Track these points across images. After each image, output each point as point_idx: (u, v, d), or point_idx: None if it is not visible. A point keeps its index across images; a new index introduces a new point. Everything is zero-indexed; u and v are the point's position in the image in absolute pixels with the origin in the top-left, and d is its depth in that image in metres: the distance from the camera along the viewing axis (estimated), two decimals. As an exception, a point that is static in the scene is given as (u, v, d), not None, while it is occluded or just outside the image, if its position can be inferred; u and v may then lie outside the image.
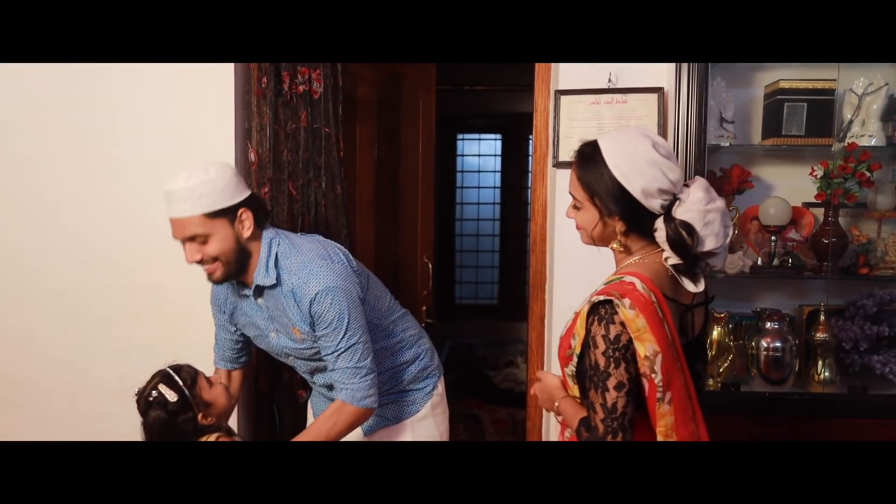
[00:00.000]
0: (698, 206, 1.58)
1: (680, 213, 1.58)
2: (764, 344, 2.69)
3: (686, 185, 1.62)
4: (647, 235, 1.64)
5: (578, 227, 1.73)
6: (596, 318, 1.55)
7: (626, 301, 1.54)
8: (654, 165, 1.58)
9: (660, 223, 1.60)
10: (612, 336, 1.53)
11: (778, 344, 2.68)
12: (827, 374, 2.71)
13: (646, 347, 1.53)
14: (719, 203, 1.60)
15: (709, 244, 1.59)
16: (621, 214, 1.62)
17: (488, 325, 6.33)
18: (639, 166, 1.59)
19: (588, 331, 1.57)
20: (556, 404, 1.69)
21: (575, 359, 1.62)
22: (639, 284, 1.58)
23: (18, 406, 2.84)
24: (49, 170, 2.78)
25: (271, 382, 2.88)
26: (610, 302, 1.54)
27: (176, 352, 2.77)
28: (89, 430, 2.60)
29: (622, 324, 1.53)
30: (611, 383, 1.52)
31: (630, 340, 1.53)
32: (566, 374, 1.68)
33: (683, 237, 1.57)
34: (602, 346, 1.53)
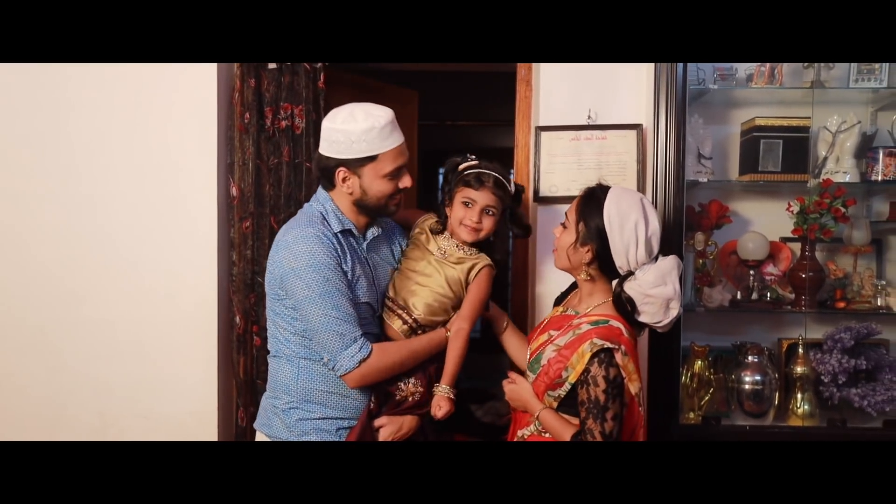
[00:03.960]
0: (642, 289, 1.90)
1: (626, 286, 1.92)
2: (744, 377, 2.71)
3: (655, 259, 1.94)
4: (607, 276, 1.98)
5: (555, 250, 2.05)
6: (597, 360, 1.84)
7: (622, 348, 1.86)
8: (633, 233, 1.90)
9: (613, 283, 1.97)
10: (611, 377, 1.83)
11: (758, 377, 2.70)
12: (806, 407, 2.72)
13: (634, 386, 1.89)
14: (666, 290, 1.90)
15: (644, 318, 1.94)
16: (593, 247, 1.94)
17: (471, 358, 6.27)
18: (623, 226, 1.90)
19: (587, 370, 1.84)
20: (537, 414, 1.96)
21: (567, 386, 1.89)
22: (624, 330, 1.91)
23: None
24: (26, 205, 2.78)
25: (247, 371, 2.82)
26: (610, 349, 1.84)
27: (157, 388, 2.78)
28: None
29: (618, 367, 1.84)
30: (609, 415, 1.82)
31: (623, 379, 1.86)
32: (547, 394, 1.94)
33: (624, 304, 1.92)
34: (602, 385, 1.82)
